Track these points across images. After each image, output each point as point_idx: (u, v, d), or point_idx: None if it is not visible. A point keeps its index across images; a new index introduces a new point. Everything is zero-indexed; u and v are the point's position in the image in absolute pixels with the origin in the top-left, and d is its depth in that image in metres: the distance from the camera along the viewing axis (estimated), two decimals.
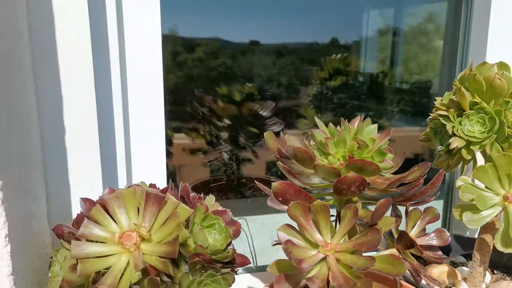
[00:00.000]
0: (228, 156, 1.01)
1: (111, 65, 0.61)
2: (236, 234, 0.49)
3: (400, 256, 0.47)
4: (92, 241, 0.42)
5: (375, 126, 0.55)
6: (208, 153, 1.01)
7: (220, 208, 0.49)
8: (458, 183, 0.62)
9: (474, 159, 0.68)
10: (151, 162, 0.70)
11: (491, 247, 0.69)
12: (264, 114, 1.00)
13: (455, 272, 0.73)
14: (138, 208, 0.44)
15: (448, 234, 0.56)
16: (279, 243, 0.58)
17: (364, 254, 0.48)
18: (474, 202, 0.60)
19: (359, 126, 0.53)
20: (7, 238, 0.37)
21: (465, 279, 0.73)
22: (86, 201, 0.48)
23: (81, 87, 0.55)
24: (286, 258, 0.52)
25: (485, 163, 0.66)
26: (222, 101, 1.00)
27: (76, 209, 0.58)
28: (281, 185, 0.50)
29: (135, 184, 0.49)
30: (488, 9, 0.79)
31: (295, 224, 0.50)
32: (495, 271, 0.77)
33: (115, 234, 0.42)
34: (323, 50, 1.15)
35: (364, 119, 0.56)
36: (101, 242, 0.42)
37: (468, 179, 0.64)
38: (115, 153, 0.64)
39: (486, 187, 0.60)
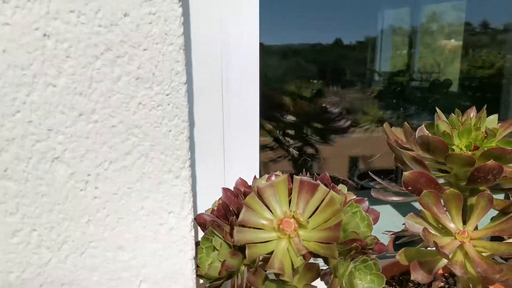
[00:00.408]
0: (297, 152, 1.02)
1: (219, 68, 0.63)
2: (375, 221, 0.49)
3: None
4: (250, 227, 0.43)
5: (496, 116, 0.55)
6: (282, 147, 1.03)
7: (356, 197, 0.50)
8: None
9: None
10: (246, 156, 0.71)
11: None
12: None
13: None
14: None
15: None
16: (397, 233, 0.59)
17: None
18: None
19: (481, 116, 0.54)
20: (193, 223, 0.38)
21: None
22: (227, 190, 0.49)
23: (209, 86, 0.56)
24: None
25: None
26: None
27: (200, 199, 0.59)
28: (413, 174, 0.51)
29: (274, 174, 0.50)
30: None
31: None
32: None
33: (273, 221, 0.43)
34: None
35: (478, 110, 0.57)
36: (259, 228, 0.43)
37: None
38: (223, 148, 0.65)
39: None
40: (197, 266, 0.46)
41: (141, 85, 0.34)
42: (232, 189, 0.50)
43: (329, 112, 1.03)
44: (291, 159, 1.03)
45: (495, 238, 0.51)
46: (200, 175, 0.59)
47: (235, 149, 0.65)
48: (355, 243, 0.44)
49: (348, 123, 1.07)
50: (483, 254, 0.49)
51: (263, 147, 1.05)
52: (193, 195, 0.38)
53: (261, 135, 1.02)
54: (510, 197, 0.54)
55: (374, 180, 1.17)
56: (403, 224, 0.68)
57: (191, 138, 0.48)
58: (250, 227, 0.43)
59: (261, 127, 1.05)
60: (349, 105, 1.12)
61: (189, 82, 0.56)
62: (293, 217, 0.43)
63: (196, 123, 0.55)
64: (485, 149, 0.51)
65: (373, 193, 0.63)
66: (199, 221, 0.50)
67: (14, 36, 0.29)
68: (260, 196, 0.44)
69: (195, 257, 0.41)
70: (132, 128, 0.34)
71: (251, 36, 0.67)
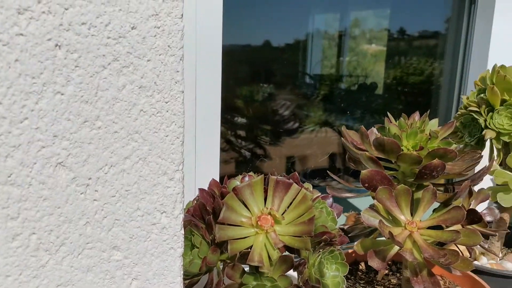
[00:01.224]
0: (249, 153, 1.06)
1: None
2: (338, 216, 0.55)
3: (475, 229, 0.55)
4: (230, 225, 0.47)
5: (436, 120, 0.63)
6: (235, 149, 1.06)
7: (320, 194, 0.55)
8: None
9: (491, 148, 0.79)
10: (209, 155, 0.73)
11: (507, 225, 0.80)
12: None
13: (475, 248, 0.84)
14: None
15: (497, 211, 0.65)
16: (351, 226, 0.65)
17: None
18: (504, 185, 0.70)
19: (424, 120, 0.61)
20: (182, 222, 0.40)
21: (483, 253, 0.84)
22: (203, 191, 0.52)
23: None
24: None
25: (495, 152, 0.77)
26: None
27: None
28: (370, 172, 0.57)
29: (248, 175, 0.53)
30: (490, 22, 0.91)
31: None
32: (502, 247, 0.89)
33: (251, 218, 0.47)
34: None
35: (421, 114, 0.64)
36: (237, 225, 0.47)
37: (497, 165, 0.74)
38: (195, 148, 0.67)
39: None
40: None
41: (143, 93, 0.36)
42: (207, 190, 0.53)
43: (279, 114, 1.08)
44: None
45: (436, 227, 0.59)
46: None
47: (203, 150, 0.68)
48: (325, 236, 0.49)
49: (296, 125, 1.13)
50: (428, 241, 0.56)
51: None
52: (183, 195, 0.40)
53: None
54: (449, 191, 0.62)
55: (320, 179, 1.25)
56: (352, 219, 0.74)
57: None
58: (230, 225, 0.47)
59: None
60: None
61: None
62: (270, 213, 0.47)
63: None
64: (430, 149, 0.58)
65: (328, 190, 0.68)
66: None
67: (27, 46, 0.30)
68: (238, 195, 0.47)
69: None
70: (133, 133, 0.36)
71: (215, 39, 0.70)
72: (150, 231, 0.39)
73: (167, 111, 0.37)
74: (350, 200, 1.29)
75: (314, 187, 0.58)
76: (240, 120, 1.07)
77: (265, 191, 0.49)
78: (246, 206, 0.48)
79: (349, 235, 0.76)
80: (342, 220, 0.66)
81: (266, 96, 1.13)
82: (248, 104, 1.11)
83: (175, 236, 0.41)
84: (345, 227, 1.19)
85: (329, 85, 1.27)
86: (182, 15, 0.37)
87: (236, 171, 1.08)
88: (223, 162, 1.09)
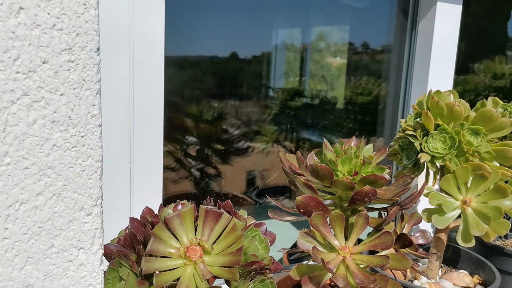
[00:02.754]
0: (199, 173, 1.05)
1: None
2: (272, 243, 0.55)
3: (405, 254, 0.57)
4: (156, 256, 0.46)
5: (371, 145, 0.65)
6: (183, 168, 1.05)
7: (255, 221, 0.55)
8: (425, 191, 0.74)
9: (427, 171, 0.82)
10: (150, 175, 0.72)
11: (445, 244, 0.83)
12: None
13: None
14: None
15: (429, 233, 0.67)
16: (290, 250, 0.66)
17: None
18: (439, 207, 0.73)
19: (360, 145, 0.63)
20: (102, 258, 0.39)
21: (422, 272, 0.86)
22: (134, 220, 0.51)
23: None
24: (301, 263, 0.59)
25: (433, 175, 0.80)
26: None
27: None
28: (304, 199, 0.57)
29: (181, 203, 0.53)
30: (430, 44, 0.95)
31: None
32: (442, 265, 0.92)
33: (179, 248, 0.46)
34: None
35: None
36: (165, 257, 0.46)
37: (432, 187, 0.77)
38: (130, 173, 0.66)
39: (446, 193, 0.74)
40: None
41: (57, 128, 0.35)
42: (139, 218, 0.52)
43: (229, 133, 1.08)
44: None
45: (372, 252, 0.60)
46: (106, 201, 0.60)
47: (141, 175, 0.67)
48: (254, 265, 0.49)
49: (247, 144, 1.13)
50: (361, 266, 0.57)
51: None
52: (102, 230, 0.39)
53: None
54: (383, 215, 0.64)
55: (272, 196, 1.25)
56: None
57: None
58: (157, 256, 0.46)
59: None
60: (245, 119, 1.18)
61: None
62: (199, 244, 0.47)
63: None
64: (363, 175, 0.60)
65: (270, 214, 0.69)
66: (105, 252, 0.51)
67: None
68: (167, 225, 0.47)
69: None
70: (45, 169, 0.35)
71: (156, 66, 0.70)
72: (66, 268, 0.38)
73: (83, 146, 0.36)
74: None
75: (264, 206, 0.58)
76: (191, 139, 1.06)
77: (197, 219, 0.49)
78: (175, 236, 0.47)
79: (290, 258, 0.76)
80: (284, 240, 0.66)
81: (216, 115, 1.12)
82: (198, 122, 1.11)
83: (94, 272, 0.40)
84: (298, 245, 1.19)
85: (289, 100, 1.28)
86: (98, 48, 0.36)
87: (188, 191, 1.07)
88: (173, 181, 1.08)
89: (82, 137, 0.36)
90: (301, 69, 1.30)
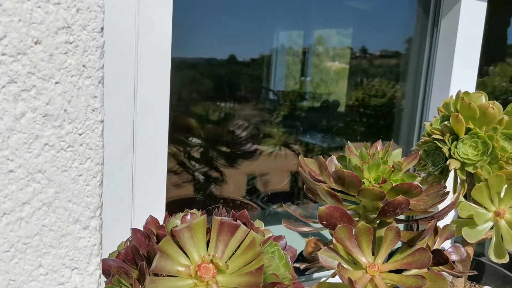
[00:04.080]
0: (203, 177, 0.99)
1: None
2: (292, 259, 0.48)
3: (442, 273, 0.51)
4: (163, 275, 0.40)
5: (400, 150, 0.58)
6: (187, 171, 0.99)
7: (273, 234, 0.49)
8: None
9: (455, 179, 0.75)
10: (153, 180, 0.66)
11: (471, 259, 0.77)
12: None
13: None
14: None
15: (463, 249, 0.61)
16: (309, 265, 0.59)
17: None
18: (469, 218, 0.67)
19: (388, 150, 0.56)
20: (100, 279, 0.33)
21: None
22: (137, 232, 0.45)
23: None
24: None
25: (459, 183, 0.74)
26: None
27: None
28: (328, 209, 0.51)
29: (190, 212, 0.47)
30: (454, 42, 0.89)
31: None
32: (466, 280, 0.85)
33: (190, 266, 0.40)
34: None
35: (383, 137, 0.59)
36: (173, 276, 0.40)
37: (461, 197, 0.71)
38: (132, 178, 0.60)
39: (477, 204, 0.67)
40: None
41: (49, 123, 0.28)
42: (142, 229, 0.46)
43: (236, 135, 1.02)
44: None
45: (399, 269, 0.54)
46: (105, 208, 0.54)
47: (144, 179, 0.60)
48: (276, 287, 0.42)
49: (254, 147, 1.07)
50: (390, 285, 0.51)
51: None
52: (101, 247, 0.33)
53: None
54: (414, 228, 0.58)
55: (279, 202, 1.18)
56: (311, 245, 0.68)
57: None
58: (164, 275, 0.40)
59: None
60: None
61: None
62: (212, 261, 0.40)
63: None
64: (393, 183, 0.53)
65: (284, 224, 0.62)
66: (103, 268, 0.45)
67: None
68: (175, 239, 0.41)
69: None
70: (34, 173, 0.29)
71: (163, 63, 0.64)
72: None
73: (81, 145, 0.30)
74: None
75: (274, 214, 0.52)
76: (195, 140, 1.00)
77: (209, 232, 0.42)
78: (184, 252, 0.41)
79: (306, 273, 0.70)
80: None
81: (223, 116, 1.06)
82: (204, 123, 1.05)
83: None
84: (304, 254, 1.12)
85: (291, 102, 1.22)
86: (102, 28, 0.30)
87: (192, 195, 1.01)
88: (175, 186, 1.01)
89: (80, 135, 0.30)
90: (308, 71, 1.25)
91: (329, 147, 1.24)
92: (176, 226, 0.42)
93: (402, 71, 1.12)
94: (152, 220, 0.48)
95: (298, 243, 1.15)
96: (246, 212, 0.47)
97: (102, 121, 0.31)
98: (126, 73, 0.58)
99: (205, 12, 1.06)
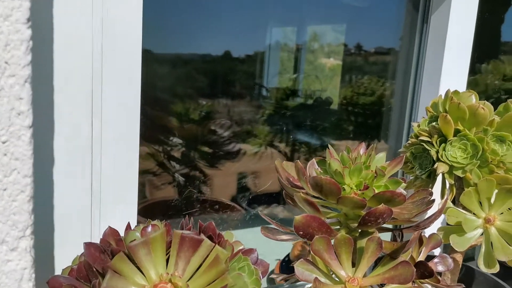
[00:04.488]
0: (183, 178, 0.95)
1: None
2: (264, 274, 0.45)
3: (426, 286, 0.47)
4: None
5: (384, 154, 0.55)
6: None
7: (244, 247, 0.45)
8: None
9: (443, 183, 0.72)
10: (121, 183, 0.62)
11: (460, 267, 0.73)
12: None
13: None
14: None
15: (450, 259, 0.58)
16: (286, 277, 0.55)
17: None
18: (458, 225, 0.63)
19: (371, 154, 0.53)
20: None
21: None
22: (90, 246, 0.40)
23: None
24: None
25: (447, 187, 0.70)
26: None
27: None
28: (305, 219, 0.47)
29: (151, 224, 0.42)
30: (444, 40, 0.85)
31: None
32: None
33: (145, 287, 0.36)
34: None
35: (368, 146, 0.56)
36: None
37: (449, 202, 0.67)
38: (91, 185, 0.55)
39: (466, 209, 0.64)
40: None
41: None
42: (99, 243, 0.42)
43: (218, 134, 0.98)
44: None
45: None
46: (59, 210, 0.49)
47: (109, 186, 0.56)
48: None
49: (238, 147, 1.03)
50: None
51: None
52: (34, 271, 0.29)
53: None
54: (397, 238, 0.54)
55: (264, 205, 1.14)
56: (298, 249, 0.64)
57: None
58: None
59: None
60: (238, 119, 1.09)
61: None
62: (170, 281, 0.36)
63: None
64: (376, 190, 0.50)
65: (262, 232, 0.58)
66: (53, 286, 0.41)
67: None
68: (131, 256, 0.37)
69: None
70: None
71: (133, 51, 0.59)
72: None
73: (5, 155, 0.26)
74: None
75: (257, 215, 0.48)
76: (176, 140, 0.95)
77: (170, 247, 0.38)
78: (141, 270, 0.37)
79: (291, 264, 0.66)
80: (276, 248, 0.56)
81: (204, 115, 1.02)
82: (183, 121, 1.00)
83: None
84: (291, 258, 1.08)
85: (283, 99, 1.19)
86: (28, 19, 0.26)
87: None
88: (155, 187, 0.97)
89: (4, 143, 0.26)
90: (302, 67, 1.22)
91: (322, 145, 1.20)
92: (134, 240, 0.38)
93: (392, 68, 1.08)
94: (110, 232, 0.44)
95: (286, 245, 1.11)
96: (213, 224, 0.43)
97: (31, 127, 0.26)
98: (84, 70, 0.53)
99: (199, 9, 1.02)
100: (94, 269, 0.39)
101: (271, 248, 1.17)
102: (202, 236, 0.38)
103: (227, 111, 1.06)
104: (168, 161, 0.95)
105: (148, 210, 0.96)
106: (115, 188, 0.57)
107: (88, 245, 0.41)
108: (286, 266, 1.07)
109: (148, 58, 0.97)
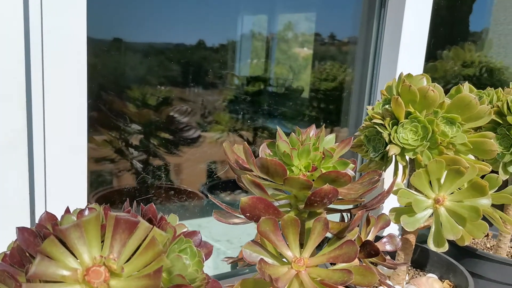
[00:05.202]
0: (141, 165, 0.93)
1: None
2: (207, 257, 0.44)
3: (371, 267, 0.47)
4: (47, 281, 0.34)
5: (333, 135, 0.55)
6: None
7: (188, 229, 0.44)
8: (394, 188, 0.65)
9: (396, 165, 0.73)
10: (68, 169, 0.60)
11: (413, 247, 0.74)
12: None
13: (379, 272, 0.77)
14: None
15: (398, 239, 0.58)
16: (236, 261, 0.55)
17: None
18: (408, 206, 0.64)
19: (320, 136, 0.52)
20: None
21: (388, 277, 0.77)
22: (23, 231, 0.39)
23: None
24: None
25: (402, 170, 0.71)
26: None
27: None
28: (251, 200, 0.47)
29: (88, 207, 0.41)
30: (400, 23, 0.86)
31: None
32: (409, 268, 0.84)
33: (77, 270, 0.35)
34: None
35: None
36: (58, 282, 0.35)
37: (401, 184, 0.68)
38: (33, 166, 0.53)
39: (417, 190, 0.65)
40: None
41: None
42: (34, 228, 0.40)
43: (177, 121, 0.96)
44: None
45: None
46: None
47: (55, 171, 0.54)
48: None
49: (198, 133, 1.02)
50: (318, 280, 0.47)
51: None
52: None
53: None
54: (347, 217, 0.54)
55: (226, 191, 1.14)
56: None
57: None
58: (46, 281, 0.34)
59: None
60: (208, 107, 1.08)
61: None
62: (104, 264, 0.35)
63: None
64: (323, 170, 0.50)
65: (214, 216, 0.58)
66: None
67: None
68: (62, 239, 0.35)
69: None
70: None
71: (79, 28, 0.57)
72: None
73: None
74: None
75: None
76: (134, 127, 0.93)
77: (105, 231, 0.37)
78: (73, 253, 0.35)
79: (237, 267, 0.66)
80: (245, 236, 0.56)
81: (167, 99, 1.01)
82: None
83: None
84: None
85: (253, 88, 1.18)
86: None
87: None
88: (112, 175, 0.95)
89: None
90: (273, 57, 1.21)
91: (286, 132, 1.20)
92: (67, 224, 0.36)
93: (351, 55, 1.09)
94: (47, 217, 0.42)
95: (250, 231, 1.11)
96: (154, 206, 0.42)
97: None
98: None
99: None
100: (27, 254, 0.38)
101: (237, 237, 1.17)
102: (139, 218, 0.37)
103: (195, 99, 1.05)
104: (127, 148, 0.93)
105: (106, 198, 0.94)
106: (61, 177, 0.55)
107: (21, 230, 0.39)
108: None
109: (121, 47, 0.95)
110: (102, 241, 0.37)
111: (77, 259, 0.36)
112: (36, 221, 0.57)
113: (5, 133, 0.50)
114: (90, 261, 0.36)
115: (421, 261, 0.83)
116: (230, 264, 1.01)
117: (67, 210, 0.43)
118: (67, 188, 0.58)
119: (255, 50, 1.23)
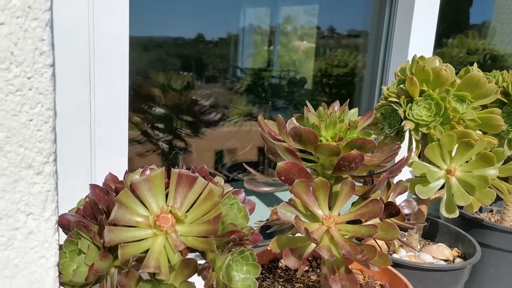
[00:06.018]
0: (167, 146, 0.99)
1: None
2: (251, 212, 0.50)
3: (393, 223, 0.53)
4: (122, 226, 0.40)
5: (356, 110, 0.60)
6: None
7: (232, 188, 0.50)
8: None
9: (410, 140, 0.78)
10: (113, 146, 0.66)
11: (425, 216, 0.80)
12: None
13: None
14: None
15: (415, 203, 0.64)
16: (269, 222, 0.61)
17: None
18: (422, 176, 0.70)
19: (344, 109, 0.58)
20: (56, 225, 0.33)
21: (401, 245, 0.83)
22: (95, 187, 0.45)
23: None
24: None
25: (414, 143, 0.77)
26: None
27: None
28: (286, 165, 0.52)
29: (149, 168, 0.47)
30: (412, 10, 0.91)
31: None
32: (420, 238, 0.90)
33: (148, 217, 0.41)
34: None
35: (342, 103, 0.61)
36: (132, 226, 0.40)
37: (415, 157, 0.74)
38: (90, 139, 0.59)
39: (430, 162, 0.70)
40: (60, 273, 0.41)
41: None
42: (102, 186, 0.46)
43: (200, 104, 1.02)
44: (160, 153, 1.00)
45: (355, 221, 0.56)
46: (65, 171, 0.53)
47: (104, 143, 0.60)
48: (233, 235, 0.44)
49: (218, 116, 1.07)
50: (346, 236, 0.53)
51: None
52: (57, 193, 0.33)
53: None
54: (368, 183, 0.60)
55: (244, 172, 1.20)
56: (275, 213, 0.70)
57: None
58: (123, 226, 0.40)
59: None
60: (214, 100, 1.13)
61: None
62: (171, 212, 0.41)
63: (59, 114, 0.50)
64: (349, 139, 0.55)
65: (246, 184, 0.63)
66: (62, 223, 0.45)
67: None
68: (134, 191, 0.41)
69: (58, 263, 0.36)
70: None
71: (121, 24, 0.63)
72: (12, 237, 0.32)
73: (30, 90, 0.30)
74: (279, 194, 1.27)
75: (236, 181, 0.53)
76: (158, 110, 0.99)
77: (168, 186, 0.43)
78: (144, 204, 0.41)
79: (268, 231, 0.72)
80: (257, 217, 0.62)
81: (186, 87, 1.06)
82: (167, 94, 1.04)
83: (47, 242, 0.34)
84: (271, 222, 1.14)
85: (258, 80, 1.23)
86: None
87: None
88: (139, 155, 1.01)
89: (29, 78, 0.30)
90: (276, 49, 1.26)
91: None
92: (135, 179, 0.42)
93: (363, 43, 1.14)
94: (111, 177, 0.48)
95: (264, 214, 1.17)
96: (206, 167, 0.48)
97: (52, 65, 0.30)
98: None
99: None
100: (100, 207, 0.44)
101: (252, 217, 1.23)
102: (197, 174, 0.43)
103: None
104: (152, 130, 0.99)
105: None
106: (109, 142, 0.61)
107: (93, 186, 0.45)
108: (266, 228, 1.13)
109: None
110: (166, 194, 0.43)
111: (147, 208, 0.41)
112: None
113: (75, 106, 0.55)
114: (158, 210, 0.41)
115: (431, 232, 0.89)
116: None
117: (127, 172, 0.49)
118: (112, 154, 0.64)
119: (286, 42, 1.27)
